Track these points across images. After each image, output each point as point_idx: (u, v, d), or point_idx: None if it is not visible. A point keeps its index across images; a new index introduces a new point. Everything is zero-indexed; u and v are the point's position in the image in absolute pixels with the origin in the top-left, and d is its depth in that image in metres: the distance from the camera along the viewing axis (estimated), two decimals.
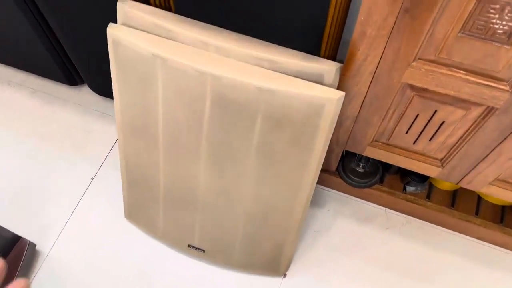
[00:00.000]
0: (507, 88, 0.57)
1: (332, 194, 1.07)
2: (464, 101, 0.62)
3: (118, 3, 0.71)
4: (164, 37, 0.69)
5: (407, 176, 0.98)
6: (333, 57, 0.79)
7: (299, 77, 0.65)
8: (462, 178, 0.79)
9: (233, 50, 0.66)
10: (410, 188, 0.99)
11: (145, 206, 0.95)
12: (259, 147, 0.71)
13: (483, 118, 0.63)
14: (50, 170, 1.11)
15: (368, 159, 0.96)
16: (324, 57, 0.76)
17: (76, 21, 0.90)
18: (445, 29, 0.52)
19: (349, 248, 1.01)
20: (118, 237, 1.02)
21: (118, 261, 0.99)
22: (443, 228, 1.02)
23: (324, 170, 1.00)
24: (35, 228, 1.02)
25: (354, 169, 0.98)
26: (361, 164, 0.97)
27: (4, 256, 0.89)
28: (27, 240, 0.96)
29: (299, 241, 1.00)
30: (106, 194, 1.08)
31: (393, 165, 0.94)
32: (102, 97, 1.21)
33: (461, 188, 0.97)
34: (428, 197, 0.99)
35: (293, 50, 0.67)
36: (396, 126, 0.74)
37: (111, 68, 0.74)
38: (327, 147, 0.70)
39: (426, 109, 0.67)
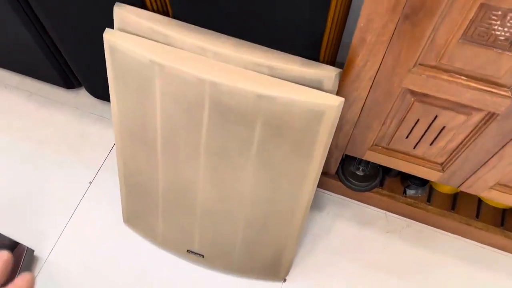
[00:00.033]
0: (508, 94, 0.56)
1: (332, 197, 1.07)
2: (465, 106, 0.61)
3: (114, 8, 0.70)
4: (162, 43, 0.68)
5: (407, 180, 0.98)
6: (332, 60, 0.78)
7: (298, 83, 0.64)
8: (463, 183, 0.79)
9: (232, 56, 0.65)
10: (410, 192, 0.98)
11: (143, 211, 0.94)
12: (258, 154, 0.71)
13: (484, 123, 0.63)
14: (47, 175, 1.10)
15: (368, 162, 0.95)
16: (323, 60, 0.76)
17: (72, 24, 0.89)
18: (446, 35, 0.51)
19: (349, 252, 1.00)
20: (117, 241, 1.02)
21: (116, 266, 0.99)
22: (443, 232, 1.02)
23: (324, 173, 1.00)
24: (33, 233, 1.02)
25: (354, 173, 0.97)
26: (361, 168, 0.96)
27: None
28: (25, 246, 0.95)
29: (299, 245, 0.99)
30: (104, 199, 1.07)
31: (393, 169, 0.94)
32: (99, 100, 1.20)
33: (462, 191, 0.97)
34: (429, 200, 0.98)
35: (292, 56, 0.66)
36: (396, 130, 0.73)
37: (108, 74, 0.73)
38: (326, 153, 0.70)
39: (427, 114, 0.66)
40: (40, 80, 1.23)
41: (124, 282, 0.97)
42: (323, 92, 0.63)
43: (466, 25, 0.49)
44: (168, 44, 0.68)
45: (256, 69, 0.65)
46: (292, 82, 0.65)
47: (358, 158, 0.96)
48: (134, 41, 0.68)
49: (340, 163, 0.95)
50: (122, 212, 1.00)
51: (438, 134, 0.69)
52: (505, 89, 0.56)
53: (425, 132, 0.70)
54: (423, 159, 0.78)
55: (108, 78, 0.74)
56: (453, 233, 1.01)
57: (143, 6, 0.75)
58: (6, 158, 1.13)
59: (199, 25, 0.70)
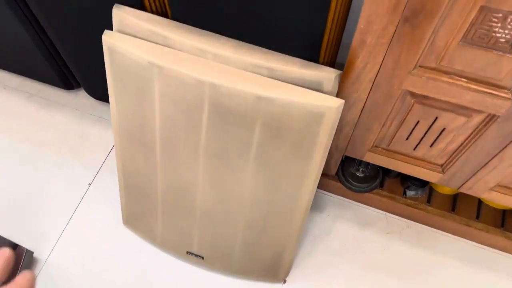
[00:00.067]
0: (509, 96, 0.56)
1: (332, 198, 1.07)
2: (465, 108, 0.61)
3: (113, 9, 0.70)
4: (161, 44, 0.68)
5: (407, 181, 0.97)
6: (332, 61, 0.78)
7: (298, 85, 0.64)
8: (463, 184, 0.78)
9: (231, 57, 0.65)
10: (410, 193, 0.98)
11: (143, 213, 0.94)
12: (257, 155, 0.71)
13: (485, 125, 0.62)
14: (47, 176, 1.10)
15: (368, 163, 0.95)
16: (323, 61, 0.75)
17: (71, 25, 0.89)
18: (446, 37, 0.51)
19: (349, 253, 1.00)
20: (116, 243, 1.01)
21: (116, 268, 0.99)
22: (443, 232, 1.02)
23: (324, 174, 0.99)
24: (33, 235, 1.02)
25: (353, 174, 0.97)
26: (361, 169, 0.96)
27: None
28: (24, 248, 0.95)
29: (298, 246, 0.99)
30: (104, 200, 1.07)
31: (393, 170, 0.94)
32: (98, 101, 1.20)
33: (462, 192, 0.96)
34: (429, 201, 0.98)
35: (292, 57, 0.66)
36: (396, 132, 0.73)
37: (107, 75, 0.73)
38: (326, 155, 0.69)
39: (427, 116, 0.66)
40: (39, 81, 1.23)
41: (124, 283, 0.97)
42: (323, 94, 0.63)
43: (467, 28, 0.49)
44: (167, 46, 0.68)
45: (256, 70, 0.65)
46: (292, 83, 0.64)
47: (358, 159, 0.95)
48: (133, 43, 0.67)
49: (340, 164, 0.94)
50: (122, 214, 0.99)
51: (438, 136, 0.69)
52: (506, 91, 0.56)
53: (425, 134, 0.70)
54: (423, 160, 0.78)
55: (107, 79, 0.73)
56: (453, 234, 1.01)
57: (142, 7, 0.75)
58: (5, 160, 1.13)
59: (198, 26, 0.70)
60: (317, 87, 0.65)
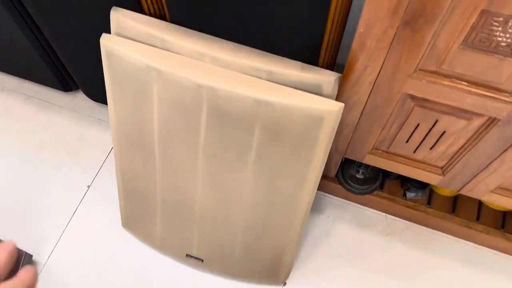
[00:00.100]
0: (510, 99, 0.55)
1: (332, 200, 1.06)
2: (466, 111, 0.61)
3: (111, 12, 0.69)
4: (159, 48, 0.68)
5: (407, 182, 0.97)
6: (332, 63, 0.77)
7: (297, 88, 0.64)
8: (463, 186, 0.78)
9: (230, 60, 0.65)
10: (410, 194, 0.98)
11: (142, 215, 0.93)
12: (257, 159, 0.70)
13: (485, 128, 0.62)
14: (45, 179, 1.10)
15: (368, 165, 0.95)
16: (323, 62, 0.75)
17: (69, 27, 0.89)
18: (447, 41, 0.51)
19: (349, 255, 1.00)
20: (116, 245, 1.01)
21: (115, 270, 0.98)
22: (443, 234, 1.01)
23: (324, 176, 0.99)
24: (31, 238, 1.01)
25: (353, 176, 0.97)
26: (361, 170, 0.96)
27: None
28: (23, 251, 0.94)
29: (298, 249, 0.99)
30: (103, 202, 1.06)
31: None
32: (97, 103, 1.20)
33: (462, 194, 0.96)
34: (429, 203, 0.98)
35: (291, 60, 0.66)
36: (397, 135, 0.72)
37: (105, 79, 0.72)
38: (326, 158, 0.69)
39: (427, 119, 0.66)
40: (37, 83, 1.22)
41: (123, 286, 0.96)
42: (323, 98, 0.63)
43: (467, 31, 0.48)
44: (165, 49, 0.67)
45: (255, 74, 0.65)
46: (291, 87, 0.64)
47: (358, 161, 0.95)
48: (131, 46, 0.67)
49: (340, 166, 0.94)
50: (121, 216, 0.99)
51: (438, 139, 0.69)
52: (507, 94, 0.55)
53: (425, 137, 0.70)
54: (423, 163, 0.77)
55: (105, 83, 0.73)
56: (454, 235, 1.01)
57: (140, 10, 0.74)
58: (3, 162, 1.12)
59: (196, 29, 0.69)
60: (316, 90, 0.64)
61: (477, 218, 0.96)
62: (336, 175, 0.98)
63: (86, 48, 0.92)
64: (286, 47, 0.70)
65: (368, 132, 0.74)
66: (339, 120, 0.64)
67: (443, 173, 0.77)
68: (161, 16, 0.75)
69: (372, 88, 0.63)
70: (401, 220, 1.03)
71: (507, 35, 0.47)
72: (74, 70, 1.06)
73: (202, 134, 0.70)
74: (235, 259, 0.91)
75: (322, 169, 0.71)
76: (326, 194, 1.07)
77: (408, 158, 0.78)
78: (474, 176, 0.74)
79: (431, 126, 0.67)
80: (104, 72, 0.71)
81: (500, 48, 0.49)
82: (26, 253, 0.95)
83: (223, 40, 0.68)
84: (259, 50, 0.67)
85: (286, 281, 0.96)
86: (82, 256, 1.00)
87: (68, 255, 1.00)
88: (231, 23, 0.69)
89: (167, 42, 0.67)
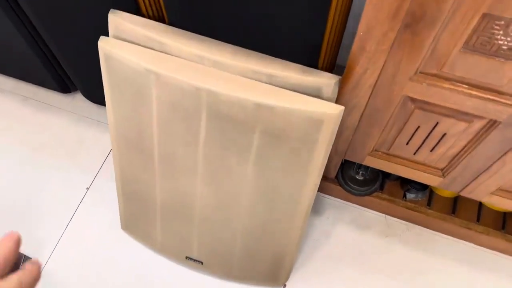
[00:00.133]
0: (510, 102, 0.55)
1: (331, 201, 1.06)
2: (466, 114, 0.60)
3: (109, 15, 0.69)
4: (158, 50, 0.67)
5: (407, 183, 0.97)
6: (332, 64, 0.77)
7: (297, 91, 0.63)
8: (464, 188, 0.78)
9: (229, 63, 0.64)
10: (410, 195, 0.97)
11: (141, 218, 0.93)
12: (257, 162, 0.70)
13: (486, 131, 0.62)
14: (44, 181, 1.09)
15: (367, 166, 0.95)
16: (323, 63, 0.75)
17: (67, 29, 0.88)
18: (448, 44, 0.50)
19: (349, 256, 0.99)
20: (115, 247, 1.01)
21: (115, 273, 0.98)
22: (443, 235, 1.01)
23: (323, 177, 0.99)
24: (30, 241, 1.01)
25: (353, 177, 0.96)
26: (361, 172, 0.95)
27: None
28: (22, 254, 0.94)
29: (298, 250, 0.99)
30: (102, 204, 1.06)
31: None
32: (95, 104, 1.19)
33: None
34: (429, 204, 0.98)
35: (291, 63, 0.65)
36: (397, 137, 0.72)
37: (103, 82, 0.72)
38: (326, 161, 0.69)
39: (427, 121, 0.65)
40: (35, 84, 1.21)
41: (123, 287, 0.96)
42: (322, 101, 0.62)
43: (468, 35, 0.48)
44: (164, 52, 0.67)
45: (254, 77, 0.64)
46: (291, 90, 0.63)
47: (358, 163, 0.95)
48: (129, 49, 0.66)
49: (339, 168, 0.94)
50: (120, 219, 0.99)
51: (438, 141, 0.69)
52: (508, 97, 0.55)
53: (425, 139, 0.69)
54: (423, 164, 0.77)
55: (104, 86, 0.72)
56: (454, 236, 1.00)
57: (138, 12, 0.74)
58: (1, 164, 1.12)
59: (195, 31, 0.69)
60: (316, 93, 0.64)
61: (477, 219, 0.96)
62: (336, 177, 0.98)
63: (85, 50, 0.92)
64: (286, 48, 0.70)
65: (368, 134, 0.74)
66: (339, 123, 0.63)
67: (443, 175, 0.77)
68: (159, 18, 0.74)
69: (372, 91, 0.63)
70: (401, 221, 1.03)
71: (509, 38, 0.47)
72: (73, 72, 1.05)
73: (201, 137, 0.69)
74: (235, 261, 0.90)
75: (322, 172, 0.71)
76: (326, 195, 1.06)
77: (408, 160, 0.77)
78: (475, 178, 0.73)
79: (431, 129, 0.66)
80: (102, 75, 0.71)
81: (502, 51, 0.48)
82: (25, 256, 0.94)
83: (222, 43, 0.67)
84: (258, 53, 0.66)
85: (286, 283, 0.96)
86: (81, 258, 0.99)
87: (68, 257, 1.00)
88: (231, 25, 0.69)
89: (165, 45, 0.66)
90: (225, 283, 0.96)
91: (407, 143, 0.72)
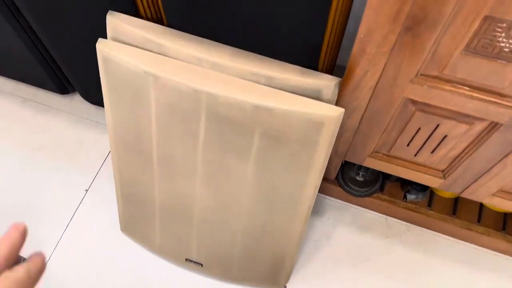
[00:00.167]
0: None
1: (332, 202, 1.06)
2: (467, 116, 0.60)
3: (107, 16, 0.68)
4: (156, 52, 0.67)
5: (407, 184, 0.96)
6: (333, 64, 0.77)
7: (296, 93, 0.63)
8: (465, 189, 0.77)
9: (228, 65, 0.64)
10: (410, 196, 0.97)
11: (141, 220, 0.93)
12: (256, 164, 0.69)
13: (487, 133, 0.61)
14: (43, 182, 1.09)
15: (368, 167, 0.94)
16: (323, 64, 0.74)
17: (65, 31, 0.88)
18: (449, 47, 0.50)
19: (349, 258, 0.99)
20: (115, 249, 1.00)
21: (114, 274, 0.97)
22: (444, 236, 1.01)
23: (324, 178, 0.98)
24: (29, 243, 0.99)
25: (353, 178, 0.96)
26: (361, 173, 0.95)
27: None
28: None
29: (298, 252, 0.98)
30: (101, 206, 1.05)
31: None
32: (94, 105, 1.19)
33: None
34: (429, 205, 0.97)
35: (291, 65, 0.65)
36: (397, 138, 0.72)
37: (102, 84, 0.71)
38: (326, 163, 0.68)
39: (428, 123, 0.65)
40: (34, 86, 1.21)
41: None
42: (322, 103, 0.62)
43: (470, 37, 0.47)
44: (162, 54, 0.66)
45: (254, 79, 0.64)
46: (291, 91, 0.63)
47: (358, 164, 0.94)
48: (127, 52, 0.66)
49: (339, 169, 0.93)
50: (119, 221, 0.98)
51: (439, 143, 0.68)
52: (509, 99, 0.54)
53: (426, 141, 0.69)
54: (424, 166, 0.76)
55: (102, 88, 0.72)
56: (454, 237, 1.00)
57: (136, 13, 0.73)
58: (0, 164, 1.11)
59: (194, 33, 0.68)
60: (316, 95, 0.63)
61: (478, 220, 0.96)
62: (336, 178, 0.98)
63: (83, 51, 0.91)
64: (286, 49, 0.69)
65: (368, 136, 0.73)
66: (339, 125, 0.63)
67: (444, 176, 0.76)
68: (157, 20, 0.74)
69: (373, 93, 0.62)
70: (401, 222, 1.03)
71: (510, 41, 0.46)
72: (71, 73, 1.05)
73: (200, 139, 0.69)
74: (235, 262, 0.90)
75: (323, 174, 0.71)
76: (326, 196, 1.06)
77: (409, 162, 0.77)
78: (476, 180, 0.73)
79: (432, 130, 0.66)
80: (100, 77, 0.70)
81: (503, 53, 0.48)
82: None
83: (221, 44, 0.67)
84: (257, 55, 0.66)
85: (287, 285, 0.96)
86: (81, 260, 0.99)
87: (67, 260, 0.99)
88: (230, 25, 0.68)
89: (164, 46, 0.66)
90: (225, 284, 0.96)
91: (408, 145, 0.72)
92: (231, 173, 0.72)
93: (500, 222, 0.95)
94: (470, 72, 0.52)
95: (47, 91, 1.20)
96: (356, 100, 0.65)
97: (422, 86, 0.57)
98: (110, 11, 0.69)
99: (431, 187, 0.97)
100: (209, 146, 0.70)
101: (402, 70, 0.55)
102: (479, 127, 0.61)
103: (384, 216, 1.04)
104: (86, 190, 1.08)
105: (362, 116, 0.69)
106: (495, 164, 0.67)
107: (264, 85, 0.64)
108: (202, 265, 0.93)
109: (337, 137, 0.73)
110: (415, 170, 0.78)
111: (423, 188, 0.95)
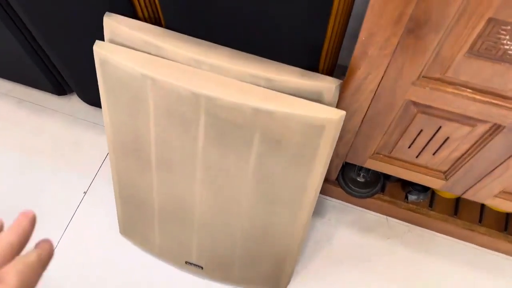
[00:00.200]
0: None
1: (333, 203, 1.05)
2: (470, 118, 0.59)
3: (104, 18, 0.67)
4: (154, 55, 0.66)
5: (409, 185, 0.96)
6: (333, 64, 0.76)
7: (297, 95, 0.62)
8: (466, 191, 0.77)
9: (227, 68, 0.63)
10: (412, 197, 0.96)
11: (140, 223, 0.92)
12: (256, 168, 0.69)
13: (490, 135, 0.61)
14: (40, 185, 1.08)
15: (369, 168, 0.93)
16: (324, 65, 0.73)
17: (62, 32, 0.86)
18: (452, 49, 0.49)
19: (350, 259, 0.99)
20: (114, 252, 1.00)
21: (114, 277, 0.97)
22: (445, 236, 1.00)
23: (324, 179, 0.97)
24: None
25: (354, 179, 0.95)
26: (362, 174, 0.94)
27: None
28: None
29: (300, 253, 0.98)
30: (100, 208, 1.05)
31: None
32: (92, 106, 1.18)
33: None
34: (431, 205, 0.97)
35: (291, 67, 0.64)
36: (399, 140, 0.71)
37: (99, 87, 0.70)
38: (327, 166, 0.67)
39: (430, 125, 0.64)
40: (31, 87, 1.20)
41: None
42: (323, 105, 0.61)
43: (473, 40, 0.47)
44: (160, 56, 0.65)
45: (253, 81, 0.63)
46: (291, 94, 0.62)
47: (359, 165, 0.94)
48: (125, 54, 0.65)
49: (340, 170, 0.93)
50: (118, 223, 0.98)
51: (441, 145, 0.67)
52: None
53: (428, 142, 0.68)
54: (425, 167, 0.76)
55: (100, 91, 0.71)
56: (456, 238, 1.00)
57: (134, 14, 0.72)
58: None
59: (192, 33, 0.67)
60: (317, 98, 0.62)
61: (479, 221, 0.95)
62: (337, 179, 0.97)
63: (80, 52, 0.90)
64: (287, 49, 0.68)
65: (369, 137, 0.72)
66: (340, 128, 0.62)
67: (445, 177, 0.75)
68: (155, 21, 0.73)
69: (374, 95, 0.61)
70: (402, 223, 1.02)
71: None
72: (68, 74, 1.04)
73: (200, 143, 0.68)
74: (235, 265, 0.89)
75: (324, 176, 0.70)
76: (327, 197, 1.05)
77: (410, 163, 0.76)
78: (478, 181, 0.72)
79: (434, 132, 0.65)
80: (98, 80, 0.69)
81: (507, 56, 0.47)
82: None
83: (220, 46, 0.66)
84: (257, 56, 0.65)
85: (288, 286, 0.95)
86: (80, 263, 0.98)
87: (66, 262, 0.98)
88: (229, 25, 0.67)
89: (162, 48, 0.65)
90: (225, 287, 0.95)
91: (409, 147, 0.71)
92: (231, 175, 0.72)
93: (502, 222, 0.95)
94: (473, 75, 0.52)
95: (44, 92, 1.19)
96: (357, 102, 0.64)
97: (424, 88, 0.56)
98: (107, 13, 0.68)
99: (433, 188, 0.96)
100: (209, 150, 0.69)
101: (404, 72, 0.55)
102: (481, 129, 0.60)
103: (385, 216, 1.03)
104: (85, 193, 1.07)
105: (363, 118, 0.68)
106: (497, 166, 0.66)
107: (264, 87, 0.63)
108: (202, 268, 0.92)
109: (338, 139, 0.73)
110: (417, 172, 0.77)
111: (424, 189, 0.94)
